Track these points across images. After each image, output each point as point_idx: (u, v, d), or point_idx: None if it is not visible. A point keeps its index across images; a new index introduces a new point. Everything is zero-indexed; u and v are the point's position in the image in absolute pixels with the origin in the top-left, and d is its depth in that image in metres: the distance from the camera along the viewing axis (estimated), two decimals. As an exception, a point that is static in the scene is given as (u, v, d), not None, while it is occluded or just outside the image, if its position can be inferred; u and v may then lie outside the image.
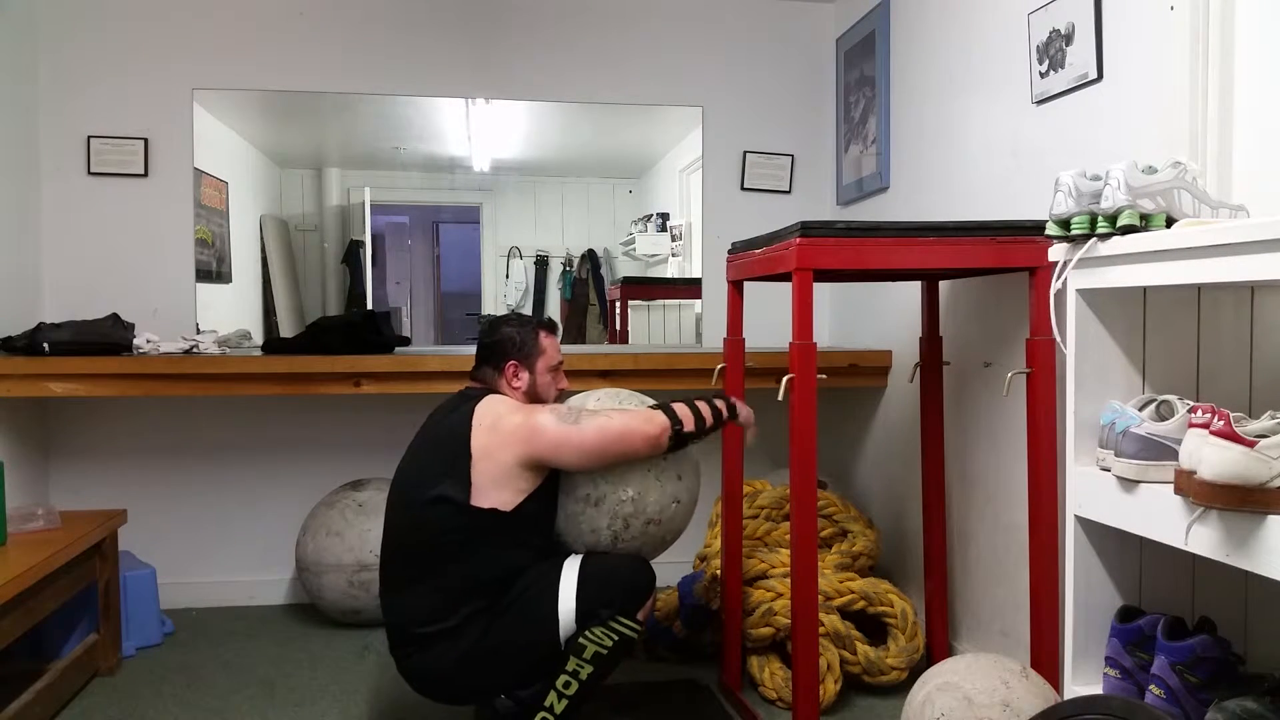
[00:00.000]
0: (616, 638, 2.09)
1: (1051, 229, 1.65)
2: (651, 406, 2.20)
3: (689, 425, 2.15)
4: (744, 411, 2.31)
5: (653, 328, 3.89)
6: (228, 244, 3.54)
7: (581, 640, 2.07)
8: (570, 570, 2.11)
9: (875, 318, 3.36)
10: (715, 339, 3.48)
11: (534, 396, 2.29)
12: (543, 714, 2.08)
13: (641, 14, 3.65)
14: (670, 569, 3.35)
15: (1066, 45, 2.22)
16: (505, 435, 2.09)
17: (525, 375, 2.28)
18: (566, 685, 2.08)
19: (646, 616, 2.16)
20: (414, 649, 2.13)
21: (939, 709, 1.90)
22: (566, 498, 2.19)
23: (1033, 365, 2.17)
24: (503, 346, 2.29)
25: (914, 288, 2.93)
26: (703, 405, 2.20)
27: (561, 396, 2.36)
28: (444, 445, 2.15)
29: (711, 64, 3.69)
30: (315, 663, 2.89)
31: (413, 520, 2.15)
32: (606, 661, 2.09)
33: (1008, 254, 2.15)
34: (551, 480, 2.17)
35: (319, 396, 3.34)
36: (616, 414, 2.13)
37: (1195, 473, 1.30)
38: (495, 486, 2.09)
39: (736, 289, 2.60)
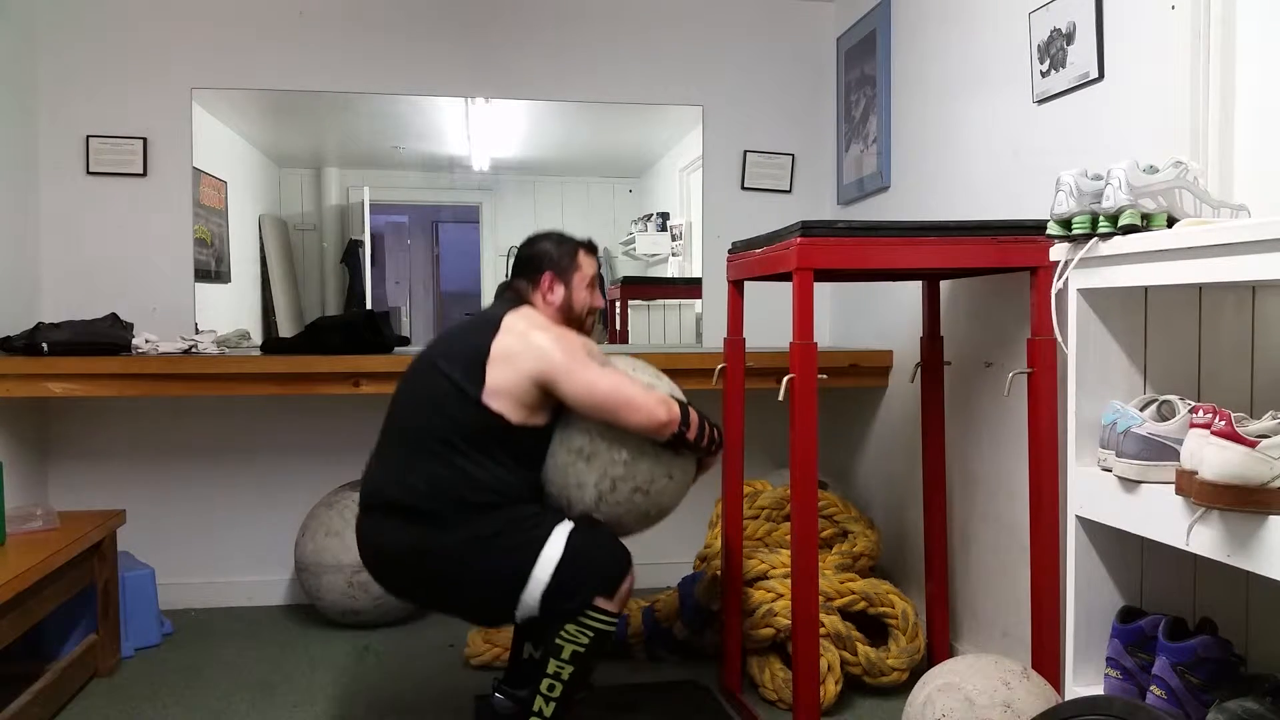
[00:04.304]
0: (592, 634, 2.06)
1: (1053, 228, 1.64)
2: (677, 399, 2.17)
3: (692, 434, 2.13)
4: (719, 458, 2.31)
5: (653, 327, 3.89)
6: (226, 244, 3.53)
7: (558, 641, 2.05)
8: (558, 538, 2.06)
9: (876, 318, 3.35)
10: (715, 339, 3.48)
11: (568, 312, 2.26)
12: (533, 718, 2.07)
13: (641, 14, 3.65)
14: (670, 569, 3.36)
15: (1067, 44, 2.21)
16: (529, 346, 2.08)
17: (560, 289, 2.25)
18: (551, 688, 2.06)
19: (620, 608, 2.10)
20: (381, 515, 2.10)
21: (940, 710, 1.90)
22: (560, 447, 2.15)
23: (1034, 365, 2.17)
24: (539, 259, 2.26)
25: (915, 287, 2.93)
26: (709, 428, 2.19)
27: (594, 316, 2.33)
28: (469, 339, 2.14)
29: (711, 64, 3.69)
30: (314, 663, 2.89)
31: (425, 398, 2.13)
32: (585, 659, 2.07)
33: (1009, 254, 2.15)
34: (555, 425, 2.15)
35: (318, 396, 3.34)
36: (638, 384, 2.11)
37: (1196, 473, 1.29)
38: (505, 394, 2.06)
39: (736, 289, 2.59)
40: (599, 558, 2.08)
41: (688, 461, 2.22)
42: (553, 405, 2.12)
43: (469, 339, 2.15)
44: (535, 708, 2.07)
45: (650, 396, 2.09)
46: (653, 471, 2.15)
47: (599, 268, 2.34)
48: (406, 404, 2.18)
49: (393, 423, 2.19)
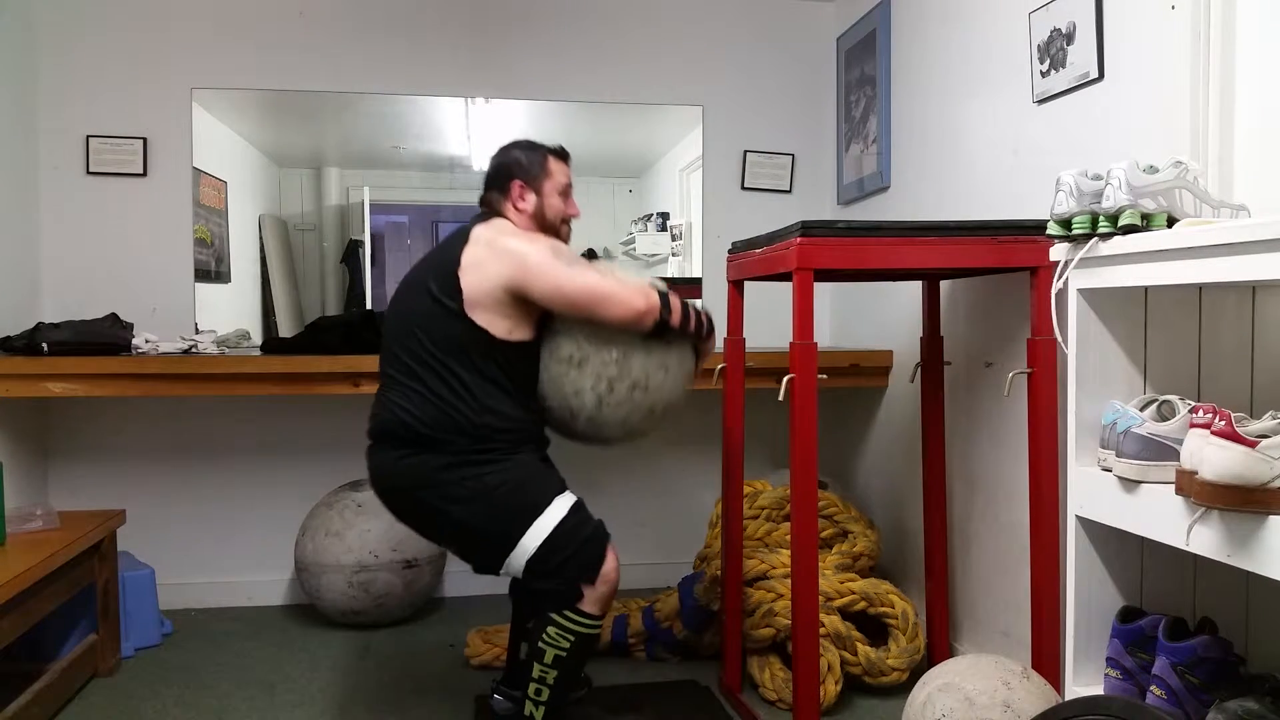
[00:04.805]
0: (573, 638, 2.05)
1: (1053, 229, 1.64)
2: (657, 288, 2.13)
3: (675, 319, 2.09)
4: (713, 341, 2.25)
5: (653, 327, 3.88)
6: (226, 243, 3.53)
7: (540, 644, 2.05)
8: (554, 511, 2.05)
9: (876, 318, 3.35)
10: (716, 339, 3.48)
11: (541, 220, 2.23)
12: None
13: (641, 14, 3.65)
14: (670, 569, 3.36)
15: (1067, 44, 2.21)
16: (498, 252, 2.07)
17: (531, 196, 2.22)
18: (538, 693, 2.06)
19: (601, 611, 2.08)
20: (388, 445, 2.10)
21: (940, 710, 1.90)
22: (550, 359, 2.13)
23: (1034, 365, 2.17)
24: (508, 168, 2.24)
25: (914, 288, 2.93)
26: (694, 312, 2.15)
27: (569, 225, 2.31)
28: (442, 256, 2.14)
29: (711, 64, 3.69)
30: (315, 663, 2.89)
31: (411, 320, 2.12)
32: (568, 663, 2.06)
33: (1009, 254, 2.15)
34: (540, 341, 2.14)
35: (318, 396, 3.34)
36: (611, 277, 2.08)
37: (1196, 473, 1.29)
38: (483, 306, 2.05)
39: (736, 289, 2.59)
40: (585, 546, 2.07)
41: (683, 352, 2.18)
42: (535, 318, 2.10)
43: (442, 255, 2.14)
44: (526, 712, 2.07)
45: (625, 288, 2.06)
46: (646, 366, 2.11)
47: (570, 175, 2.30)
48: (395, 330, 2.16)
49: (386, 352, 2.17)
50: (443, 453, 2.05)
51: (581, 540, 2.07)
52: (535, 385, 2.15)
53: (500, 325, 2.06)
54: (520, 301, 2.07)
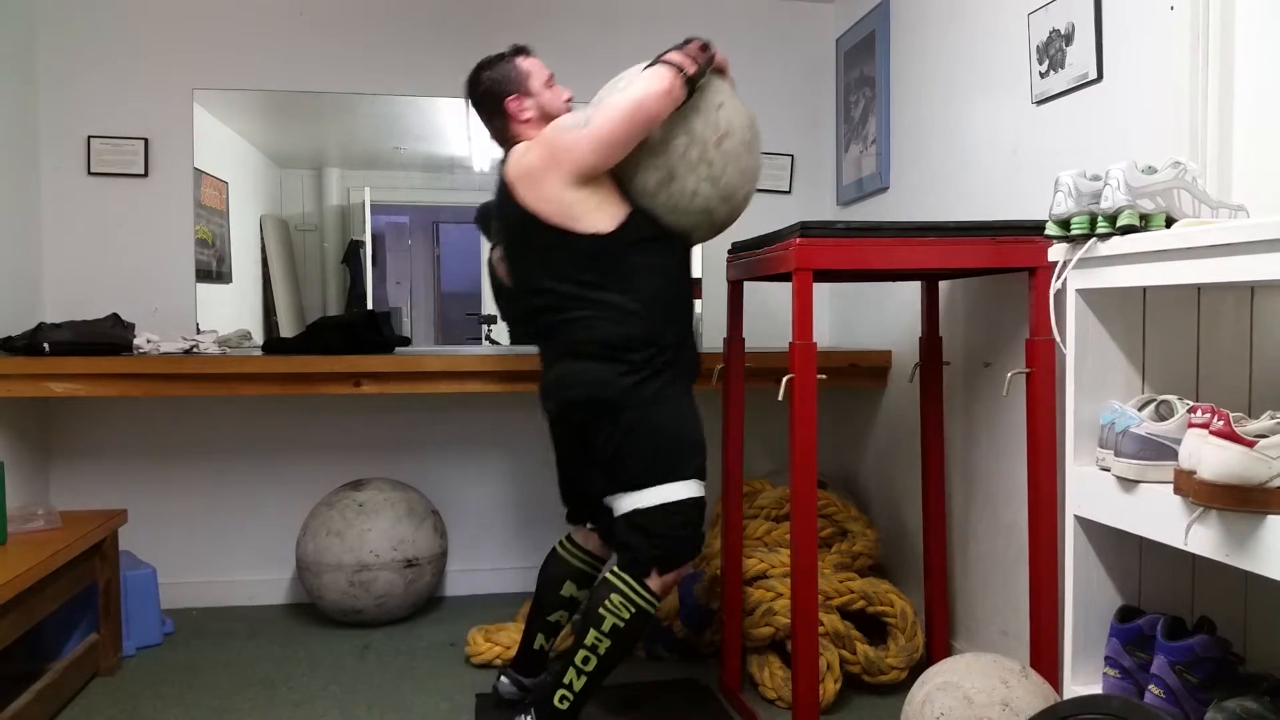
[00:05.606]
0: (634, 609, 2.08)
1: (1051, 229, 1.65)
2: (644, 68, 2.15)
3: (691, 68, 2.10)
4: (718, 52, 2.25)
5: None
6: (228, 244, 3.54)
7: (601, 611, 2.08)
8: (684, 489, 2.14)
9: (875, 318, 3.36)
10: (715, 339, 3.48)
11: (548, 118, 2.24)
12: (562, 691, 2.07)
13: (641, 14, 3.65)
14: (670, 569, 3.36)
15: (1066, 45, 2.22)
16: (538, 172, 2.10)
17: (528, 102, 2.24)
18: (585, 661, 2.07)
19: (664, 594, 2.15)
20: (571, 360, 2.17)
21: (939, 708, 1.90)
22: (647, 200, 2.16)
23: (1033, 365, 2.17)
24: (492, 93, 2.25)
25: (914, 288, 2.94)
26: (689, 47, 2.15)
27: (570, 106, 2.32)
28: (507, 216, 2.20)
29: (711, 64, 3.69)
30: (315, 663, 2.89)
31: (535, 271, 2.17)
32: (624, 636, 2.09)
33: (1008, 254, 2.15)
34: (636, 215, 2.16)
35: (319, 396, 3.35)
36: (617, 94, 2.09)
37: (1195, 473, 1.30)
38: (574, 218, 2.09)
39: (736, 289, 2.60)
40: (683, 537, 2.15)
41: (713, 84, 2.18)
42: (614, 193, 2.14)
43: (506, 216, 2.20)
44: (566, 679, 2.08)
45: (636, 87, 2.07)
46: (708, 118, 2.14)
47: (544, 65, 2.31)
48: (523, 283, 2.22)
49: (528, 309, 2.23)
50: (619, 368, 2.13)
51: (683, 531, 2.15)
52: (655, 282, 2.19)
53: (599, 220, 2.10)
54: (592, 183, 2.10)
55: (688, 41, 2.17)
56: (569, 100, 2.30)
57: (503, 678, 2.42)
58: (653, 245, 2.18)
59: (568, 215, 2.09)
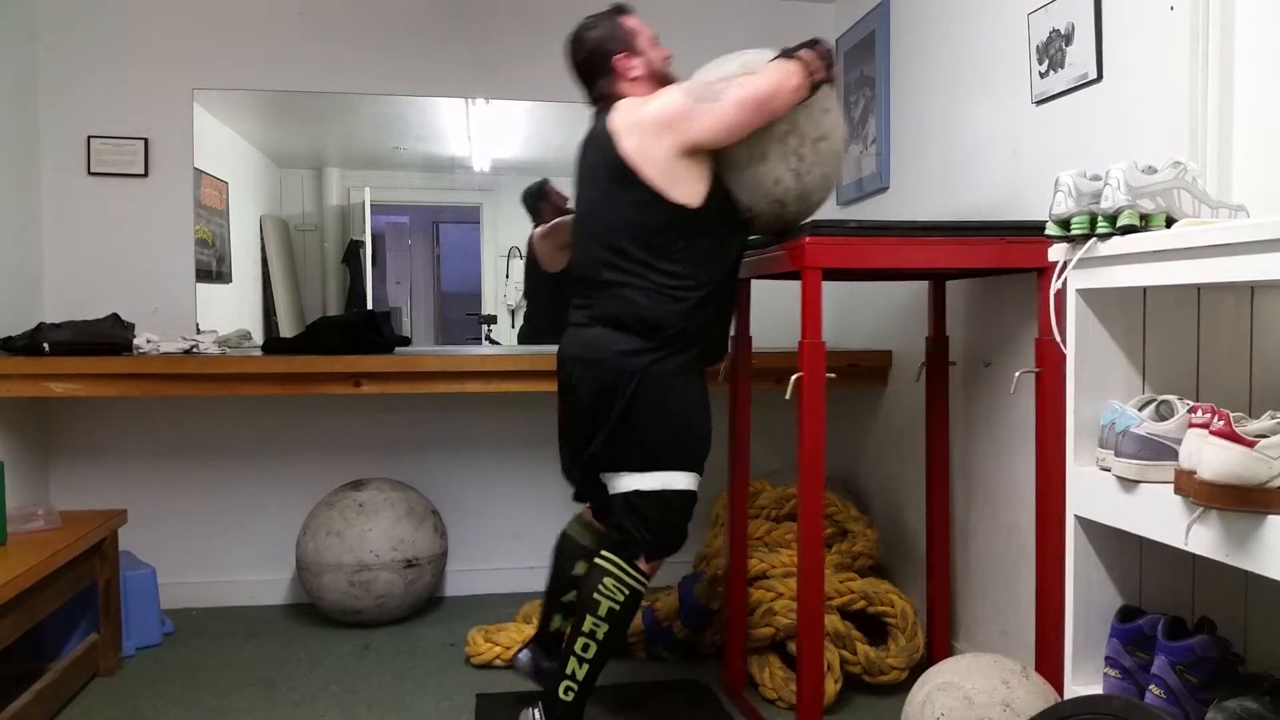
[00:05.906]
0: (628, 591, 2.11)
1: (1051, 229, 1.65)
2: (772, 59, 2.14)
3: (821, 73, 2.12)
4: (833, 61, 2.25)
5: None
6: (228, 244, 3.54)
7: (595, 596, 2.09)
8: (685, 479, 2.16)
9: (874, 318, 3.35)
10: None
11: (656, 76, 2.23)
12: (566, 683, 2.08)
13: (641, 14, 3.64)
14: (671, 569, 3.34)
15: (1066, 45, 2.22)
16: (648, 129, 2.08)
17: (636, 60, 2.23)
18: (585, 648, 2.09)
19: (651, 576, 2.18)
20: (605, 327, 2.15)
21: (939, 709, 1.90)
22: (732, 172, 2.15)
23: (1041, 365, 2.17)
24: (600, 51, 2.23)
25: (913, 288, 2.93)
26: (819, 49, 2.14)
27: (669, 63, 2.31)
28: (599, 162, 2.16)
29: (711, 64, 3.69)
30: (315, 663, 2.89)
31: (614, 226, 2.14)
32: (620, 618, 2.11)
33: (1016, 254, 2.15)
34: (715, 191, 2.15)
35: (319, 396, 3.34)
36: (752, 79, 2.08)
37: (1195, 473, 1.30)
38: (670, 183, 2.08)
39: (744, 287, 2.59)
40: (675, 528, 2.18)
41: (823, 90, 2.19)
42: (709, 171, 2.13)
43: (597, 162, 2.17)
44: (568, 670, 2.09)
45: (770, 78, 2.06)
46: (813, 117, 2.15)
47: (644, 22, 2.31)
48: (602, 241, 2.17)
49: (595, 264, 2.19)
50: (656, 338, 2.13)
51: (675, 521, 2.17)
52: (718, 257, 2.19)
53: (691, 192, 2.09)
54: (692, 153, 2.09)
55: (815, 43, 2.18)
56: (668, 58, 2.30)
57: (523, 652, 2.42)
58: (727, 233, 2.20)
59: (666, 179, 2.08)
